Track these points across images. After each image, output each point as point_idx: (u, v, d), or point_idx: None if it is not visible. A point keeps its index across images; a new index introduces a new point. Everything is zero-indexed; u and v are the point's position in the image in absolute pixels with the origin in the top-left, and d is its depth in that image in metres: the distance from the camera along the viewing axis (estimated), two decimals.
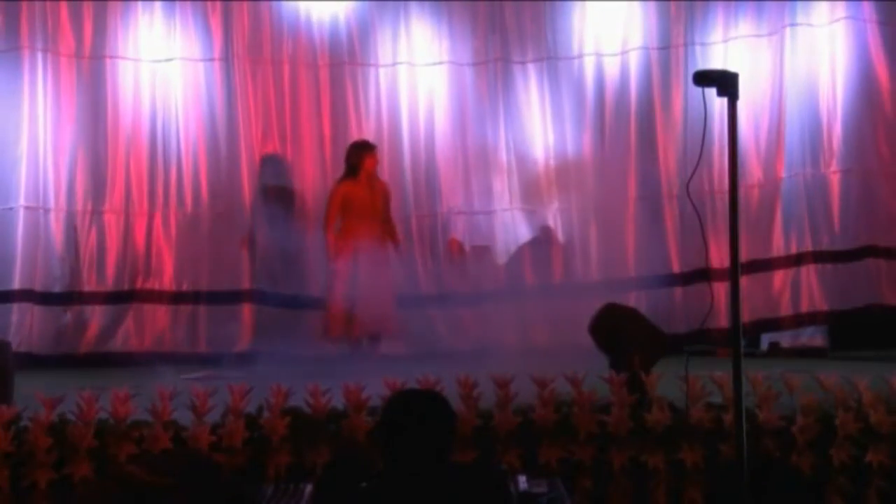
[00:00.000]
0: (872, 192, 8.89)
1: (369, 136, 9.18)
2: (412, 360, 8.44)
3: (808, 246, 8.95)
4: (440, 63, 9.28)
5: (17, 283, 8.78)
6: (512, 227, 9.27)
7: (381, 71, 9.25)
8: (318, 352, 8.47)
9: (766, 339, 9.13)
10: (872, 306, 8.83)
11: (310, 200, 9.01)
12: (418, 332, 9.04)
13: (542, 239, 9.29)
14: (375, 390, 5.23)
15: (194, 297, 8.96)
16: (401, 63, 9.26)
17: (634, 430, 5.26)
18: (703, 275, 8.34)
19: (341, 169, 8.82)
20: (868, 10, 8.91)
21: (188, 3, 9.11)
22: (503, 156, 9.27)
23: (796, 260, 8.98)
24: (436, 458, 3.22)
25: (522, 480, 4.54)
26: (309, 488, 4.30)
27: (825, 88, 8.99)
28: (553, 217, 9.27)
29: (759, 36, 9.10)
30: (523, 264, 9.26)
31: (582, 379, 5.37)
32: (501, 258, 9.28)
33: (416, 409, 3.32)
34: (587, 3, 9.24)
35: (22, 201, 8.84)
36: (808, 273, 8.95)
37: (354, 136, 9.20)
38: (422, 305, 9.05)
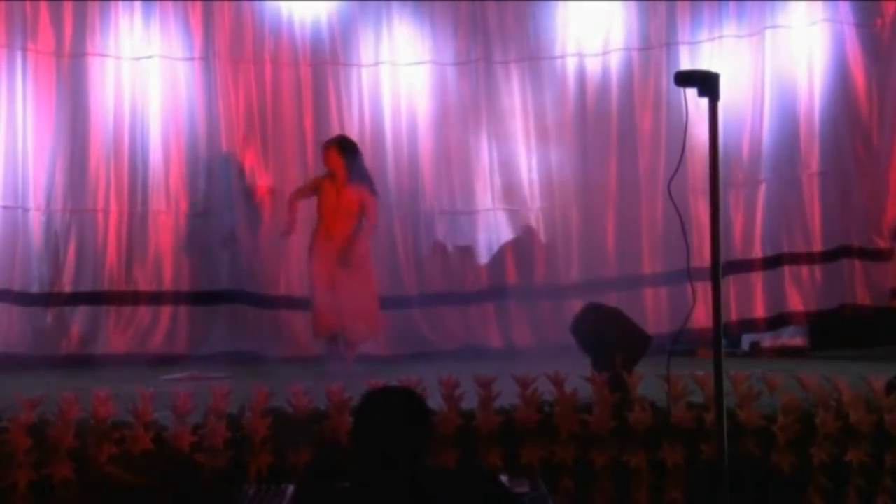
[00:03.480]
0: (849, 193, 8.94)
1: (352, 135, 9.16)
2: (395, 360, 8.46)
3: (787, 247, 9.00)
4: (422, 63, 9.27)
5: None
6: (494, 228, 9.27)
7: (364, 71, 9.24)
8: (298, 352, 8.50)
9: (746, 339, 9.18)
10: (846, 306, 8.88)
11: None
12: (401, 333, 9.05)
13: (525, 239, 9.30)
14: (358, 391, 5.21)
15: (175, 298, 8.92)
16: (383, 63, 9.24)
17: (616, 429, 5.27)
18: (685, 275, 8.36)
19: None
20: (845, 12, 8.96)
21: (168, 1, 9.07)
22: (485, 156, 9.28)
23: (775, 261, 9.02)
24: (411, 456, 3.20)
25: (504, 480, 4.54)
26: (290, 489, 4.29)
27: (803, 90, 9.04)
28: (535, 217, 9.28)
29: (739, 37, 9.14)
30: (506, 264, 9.27)
31: (564, 379, 5.38)
32: (484, 258, 9.28)
33: (388, 406, 3.30)
34: (569, 3, 9.25)
35: (0, 200, 8.78)
36: (787, 274, 9.00)
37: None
38: (404, 305, 9.05)
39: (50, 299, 8.80)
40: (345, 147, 8.08)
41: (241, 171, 9.11)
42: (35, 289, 8.80)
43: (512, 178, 9.29)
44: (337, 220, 7.97)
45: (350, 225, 7.97)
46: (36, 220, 8.84)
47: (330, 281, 7.89)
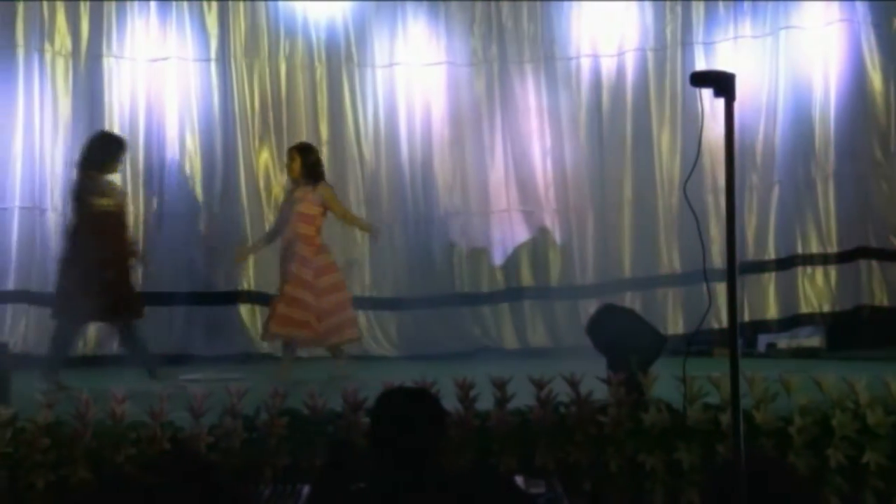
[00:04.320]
0: (865, 194, 8.91)
1: (367, 136, 9.22)
2: (409, 361, 8.46)
3: (802, 248, 8.97)
4: (437, 63, 9.28)
5: (12, 284, 8.76)
6: (509, 228, 9.27)
7: (379, 71, 9.26)
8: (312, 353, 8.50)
9: (763, 340, 9.15)
10: (863, 307, 8.85)
11: None
12: (416, 334, 9.06)
13: (540, 240, 9.30)
14: (373, 392, 5.22)
15: (191, 298, 8.94)
16: (398, 63, 9.26)
17: (632, 430, 5.25)
18: (700, 276, 8.35)
19: (339, 170, 8.87)
20: (863, 13, 8.93)
21: (185, 2, 9.11)
22: (500, 157, 9.28)
23: (789, 262, 9.00)
24: (426, 457, 3.21)
25: (520, 481, 4.54)
26: (306, 489, 4.30)
27: (818, 91, 9.00)
28: (550, 218, 9.28)
29: (754, 37, 9.12)
30: (520, 266, 9.27)
31: (579, 380, 5.37)
32: (498, 259, 9.28)
33: (404, 407, 3.31)
34: (584, 3, 9.25)
35: (17, 201, 8.83)
36: (801, 275, 8.97)
37: (352, 136, 9.22)
38: (419, 306, 9.06)
39: None
40: (303, 151, 7.70)
41: (257, 172, 9.14)
42: (52, 289, 8.82)
43: (527, 179, 9.29)
44: (303, 224, 7.58)
45: (312, 223, 7.60)
46: (53, 220, 8.88)
47: (302, 287, 7.46)
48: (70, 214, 7.67)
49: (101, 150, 7.56)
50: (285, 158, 7.92)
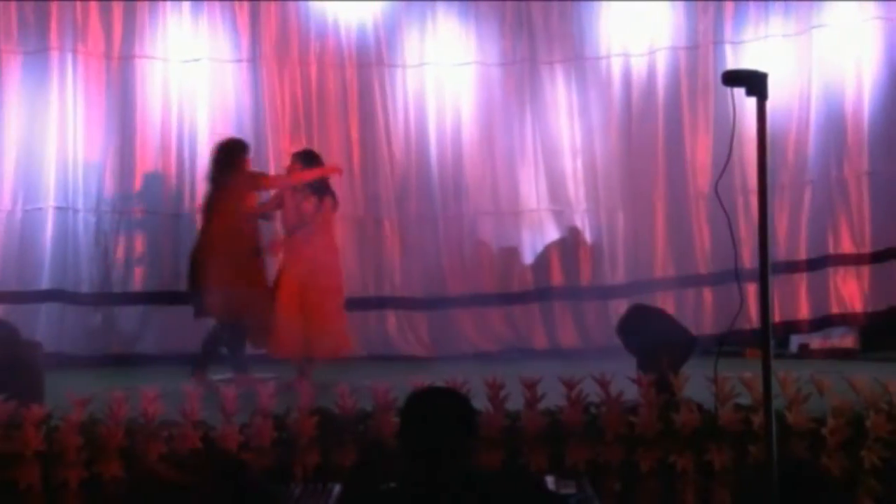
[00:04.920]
0: None
1: (397, 137, 9.22)
2: (439, 361, 8.46)
3: (833, 248, 8.89)
4: (467, 64, 9.28)
5: (46, 284, 8.84)
6: (539, 228, 9.26)
7: (409, 72, 9.27)
8: None
9: (795, 341, 9.08)
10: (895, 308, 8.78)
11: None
12: (445, 334, 9.06)
13: (570, 239, 9.28)
14: (402, 392, 5.23)
15: None
16: (428, 64, 9.27)
17: (663, 431, 5.24)
18: (731, 276, 8.31)
19: (370, 170, 8.89)
20: None
21: (216, 3, 9.16)
22: (530, 156, 9.27)
23: (821, 262, 8.93)
24: (456, 457, 3.21)
25: (550, 481, 4.54)
26: (337, 488, 4.31)
27: (852, 89, 8.92)
28: (580, 218, 9.26)
29: (786, 36, 9.05)
30: (550, 265, 9.25)
31: (610, 380, 5.36)
32: (528, 259, 9.27)
33: (434, 407, 3.31)
34: (614, 2, 9.21)
35: (52, 202, 8.90)
36: (833, 275, 8.89)
37: (382, 137, 9.23)
38: (448, 306, 9.06)
39: (100, 299, 8.91)
40: (304, 158, 7.58)
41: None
42: (85, 289, 8.91)
43: (557, 179, 9.28)
44: (298, 232, 7.48)
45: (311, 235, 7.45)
46: (86, 220, 8.95)
47: (297, 298, 7.30)
48: (212, 216, 7.42)
49: (235, 153, 7.46)
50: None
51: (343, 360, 7.56)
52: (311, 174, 7.38)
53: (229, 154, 7.44)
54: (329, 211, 7.51)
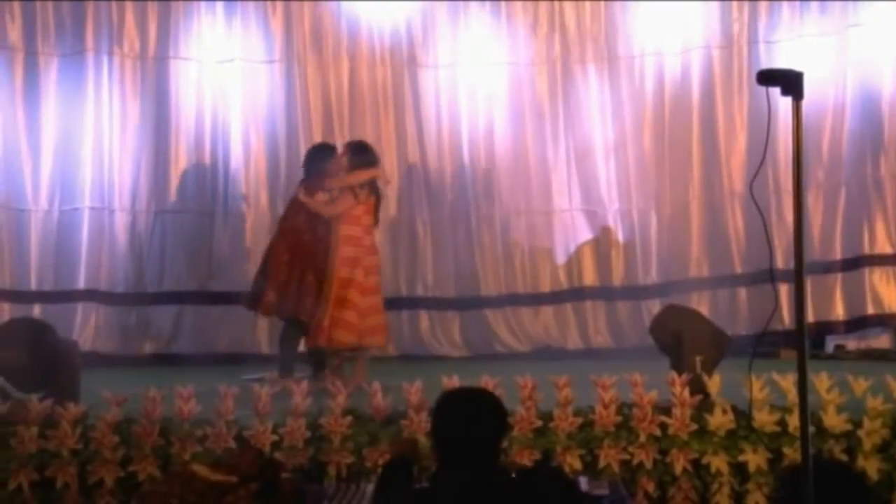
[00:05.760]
0: None
1: (429, 137, 9.22)
2: (472, 361, 8.46)
3: (868, 248, 8.82)
4: (500, 64, 9.27)
5: (82, 283, 8.93)
6: (572, 228, 9.24)
7: (441, 72, 9.27)
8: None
9: (830, 341, 9.00)
10: None
11: None
12: (478, 334, 9.06)
13: (602, 240, 9.25)
14: (435, 392, 5.23)
15: None
16: (460, 64, 9.27)
17: (696, 432, 5.21)
18: (765, 276, 8.25)
19: (403, 170, 8.90)
20: None
21: (250, 3, 9.21)
22: (563, 156, 9.25)
23: (855, 262, 8.85)
24: (488, 456, 3.21)
25: (583, 482, 4.53)
26: (370, 488, 4.33)
27: (889, 89, 8.83)
28: (613, 218, 9.23)
29: (822, 35, 8.97)
30: (583, 265, 9.23)
31: (643, 380, 5.33)
32: (561, 259, 9.25)
33: (466, 407, 3.31)
34: (648, 2, 9.18)
35: (87, 202, 8.99)
36: (868, 276, 8.81)
37: (414, 137, 9.23)
38: (481, 306, 9.06)
39: (135, 299, 8.98)
40: (355, 150, 7.45)
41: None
42: (120, 288, 8.99)
43: (590, 179, 9.25)
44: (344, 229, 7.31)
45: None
46: (121, 220, 9.03)
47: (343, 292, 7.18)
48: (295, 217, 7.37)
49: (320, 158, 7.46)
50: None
51: (375, 357, 7.52)
52: (364, 175, 7.30)
53: (309, 158, 7.45)
54: (373, 211, 7.37)
